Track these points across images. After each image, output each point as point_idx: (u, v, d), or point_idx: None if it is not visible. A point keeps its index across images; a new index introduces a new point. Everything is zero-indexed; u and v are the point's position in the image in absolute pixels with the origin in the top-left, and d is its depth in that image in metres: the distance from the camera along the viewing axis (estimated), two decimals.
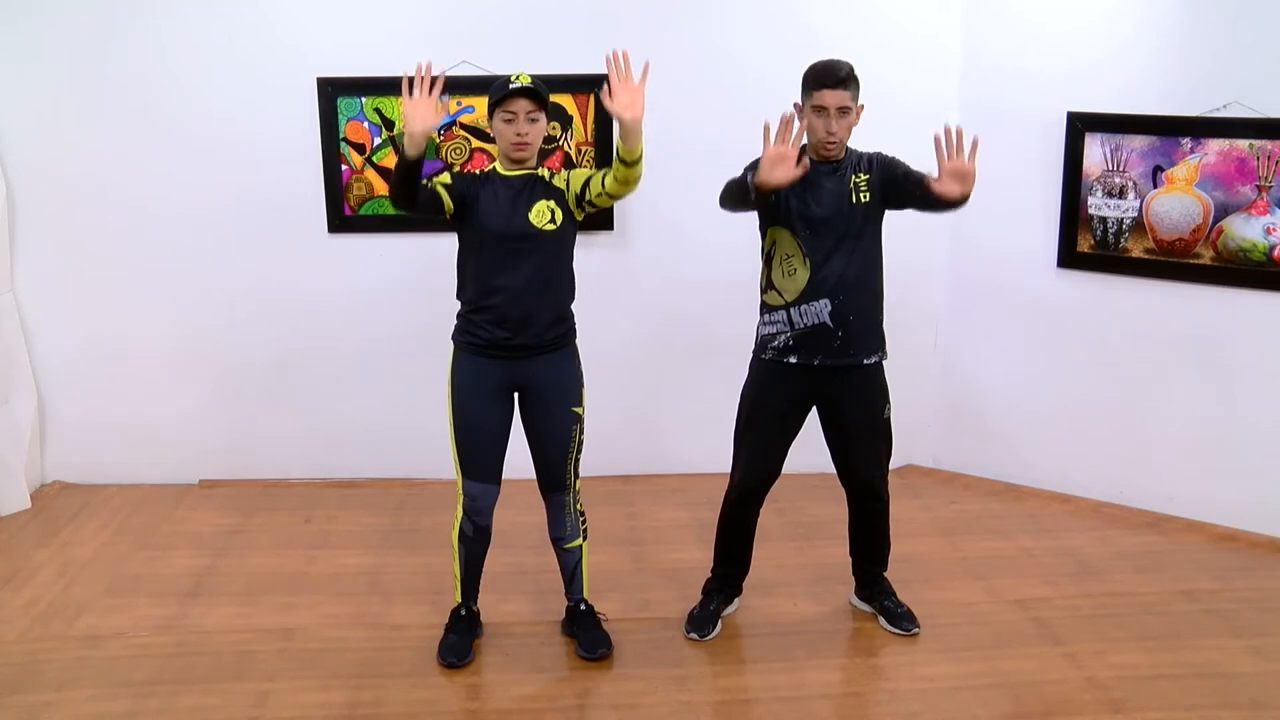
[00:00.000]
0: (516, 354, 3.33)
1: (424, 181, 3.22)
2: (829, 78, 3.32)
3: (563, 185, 3.35)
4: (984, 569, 4.15)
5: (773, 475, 3.61)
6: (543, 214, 3.29)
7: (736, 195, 3.36)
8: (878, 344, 3.55)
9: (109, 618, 3.79)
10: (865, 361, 3.51)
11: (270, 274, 4.78)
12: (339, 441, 4.96)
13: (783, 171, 3.20)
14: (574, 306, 3.45)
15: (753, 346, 3.60)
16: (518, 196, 3.29)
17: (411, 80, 3.12)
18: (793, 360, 3.50)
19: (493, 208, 3.28)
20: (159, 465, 4.93)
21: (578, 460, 3.47)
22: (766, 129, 3.20)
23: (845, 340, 3.47)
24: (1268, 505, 4.37)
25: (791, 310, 3.47)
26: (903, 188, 3.42)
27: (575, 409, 3.42)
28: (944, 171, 3.26)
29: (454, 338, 3.43)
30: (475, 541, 3.49)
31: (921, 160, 3.37)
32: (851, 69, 3.35)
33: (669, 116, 4.71)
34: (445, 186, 3.28)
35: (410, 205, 3.21)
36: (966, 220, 4.77)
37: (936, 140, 3.26)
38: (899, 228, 3.66)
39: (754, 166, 3.29)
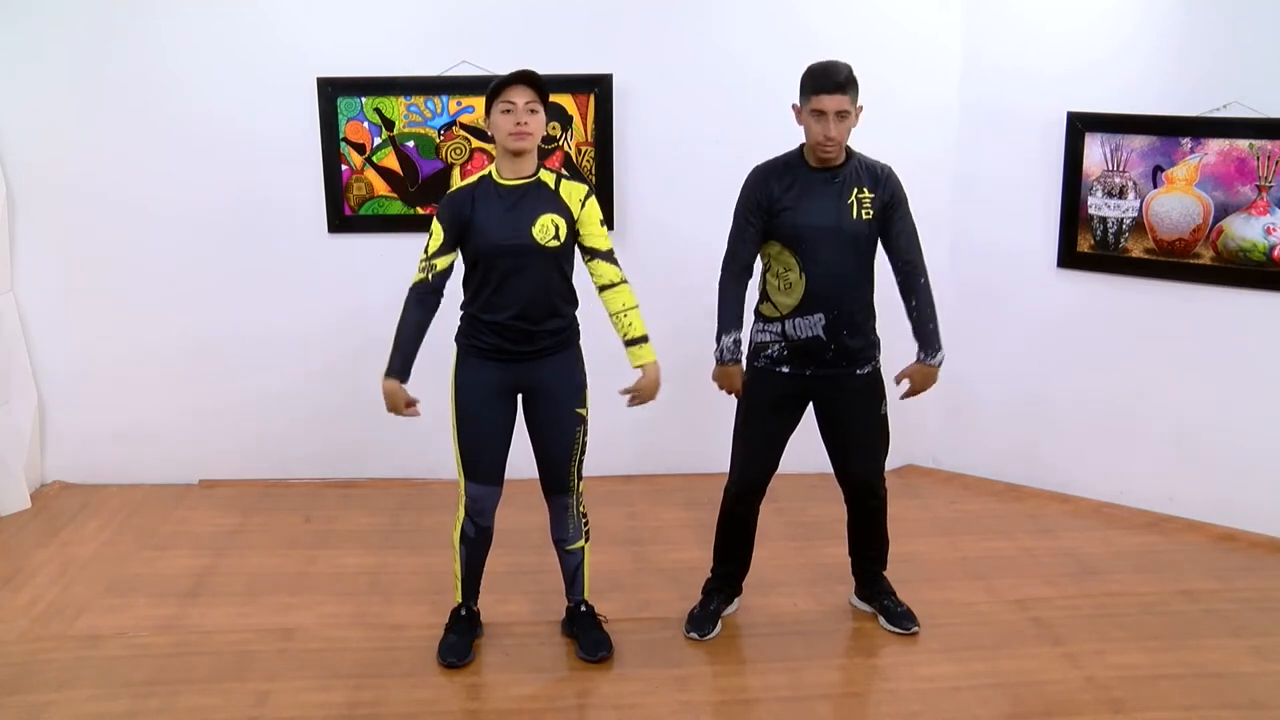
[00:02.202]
0: (521, 357, 3.33)
1: (427, 275, 3.32)
2: (827, 82, 3.27)
3: (574, 208, 3.29)
4: (984, 569, 4.15)
5: (771, 470, 3.61)
6: (546, 229, 3.24)
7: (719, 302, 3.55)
8: (871, 354, 3.53)
9: (109, 618, 3.79)
10: (858, 372, 3.51)
11: (270, 274, 4.78)
12: (339, 441, 4.96)
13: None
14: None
15: (747, 349, 3.60)
16: (517, 206, 3.24)
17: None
18: (785, 370, 3.50)
19: (490, 220, 3.24)
20: (159, 465, 4.93)
21: (581, 462, 3.46)
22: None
23: (838, 352, 3.46)
24: (1268, 505, 4.37)
25: (786, 323, 3.45)
26: (886, 241, 3.48)
27: (579, 410, 3.41)
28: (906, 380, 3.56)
29: (458, 339, 3.42)
30: (477, 543, 3.48)
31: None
32: (850, 72, 3.30)
33: (669, 116, 4.72)
34: (441, 245, 3.30)
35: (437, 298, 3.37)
36: (966, 220, 4.80)
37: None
38: None
39: (723, 339, 3.52)
